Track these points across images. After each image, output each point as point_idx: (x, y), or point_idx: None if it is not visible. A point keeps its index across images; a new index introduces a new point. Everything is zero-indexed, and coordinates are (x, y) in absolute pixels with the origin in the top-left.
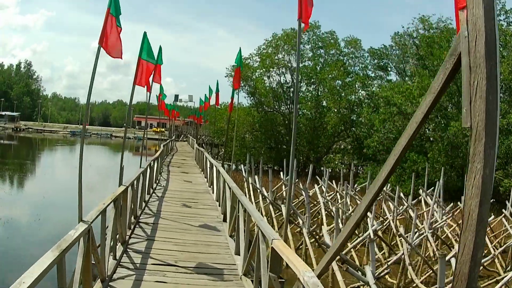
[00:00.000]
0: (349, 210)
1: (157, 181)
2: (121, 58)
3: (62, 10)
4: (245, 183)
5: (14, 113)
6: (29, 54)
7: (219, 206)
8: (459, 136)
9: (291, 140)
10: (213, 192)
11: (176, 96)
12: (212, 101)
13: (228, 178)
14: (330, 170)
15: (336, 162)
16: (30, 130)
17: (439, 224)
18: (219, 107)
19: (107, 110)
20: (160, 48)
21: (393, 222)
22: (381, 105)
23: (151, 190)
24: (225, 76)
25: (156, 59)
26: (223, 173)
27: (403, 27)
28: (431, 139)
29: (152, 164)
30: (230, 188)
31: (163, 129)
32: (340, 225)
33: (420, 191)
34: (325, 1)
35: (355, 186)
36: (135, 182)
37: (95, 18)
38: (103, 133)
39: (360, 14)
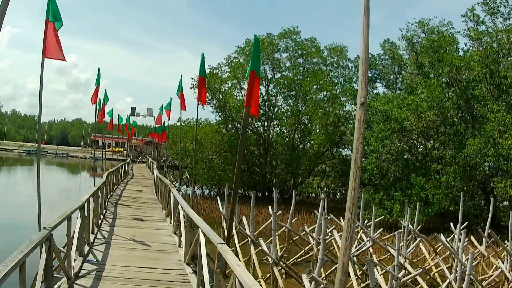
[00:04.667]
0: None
1: (90, 246)
2: (65, 59)
3: (27, 27)
4: (222, 221)
5: None
6: None
7: None
8: (477, 156)
9: (266, 162)
10: (200, 284)
11: (133, 110)
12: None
13: None
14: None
15: (314, 187)
16: None
17: None
18: (181, 123)
19: (65, 128)
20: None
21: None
22: (377, 120)
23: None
24: (190, 88)
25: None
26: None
27: (401, 30)
28: (442, 161)
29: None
30: None
31: (121, 149)
32: None
33: (453, 227)
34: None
35: (365, 222)
36: None
37: (60, 37)
38: (59, 152)
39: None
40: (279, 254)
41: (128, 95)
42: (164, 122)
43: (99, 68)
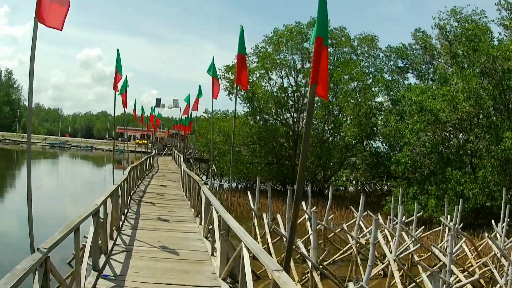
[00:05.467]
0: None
1: (108, 255)
2: (61, 29)
3: None
4: (253, 218)
5: None
6: (16, 64)
7: None
8: None
9: (295, 154)
10: None
11: (158, 101)
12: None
13: None
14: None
15: (344, 179)
16: (7, 141)
17: None
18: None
19: (90, 121)
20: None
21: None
22: (410, 112)
23: None
24: (218, 78)
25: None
26: None
27: (433, 18)
28: (478, 154)
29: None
30: None
31: (146, 141)
32: None
33: (494, 224)
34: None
35: (403, 219)
36: None
37: (81, 30)
38: (83, 145)
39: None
40: (320, 257)
41: (153, 87)
42: (191, 113)
43: (118, 50)
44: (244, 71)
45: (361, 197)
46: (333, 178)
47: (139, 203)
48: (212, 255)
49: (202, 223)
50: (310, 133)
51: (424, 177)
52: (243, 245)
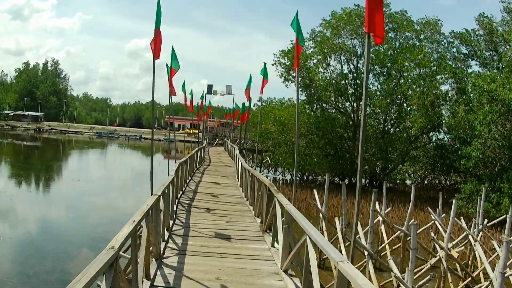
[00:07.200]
0: None
1: None
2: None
3: (98, 13)
4: (321, 221)
5: (38, 113)
6: (64, 56)
7: None
8: None
9: (354, 146)
10: None
11: (210, 87)
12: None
13: None
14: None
15: (403, 173)
16: (54, 131)
17: None
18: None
19: (140, 111)
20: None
21: None
22: (480, 101)
23: None
24: (272, 64)
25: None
26: None
27: (502, 2)
28: None
29: None
30: None
31: (196, 131)
32: None
33: None
34: None
35: (485, 222)
36: None
37: (130, 21)
38: (131, 135)
39: None
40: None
41: (203, 77)
42: (251, 98)
43: (158, 2)
44: (379, 14)
45: (453, 202)
46: (394, 171)
47: (189, 208)
48: None
49: (279, 248)
50: None
51: (495, 173)
52: None
